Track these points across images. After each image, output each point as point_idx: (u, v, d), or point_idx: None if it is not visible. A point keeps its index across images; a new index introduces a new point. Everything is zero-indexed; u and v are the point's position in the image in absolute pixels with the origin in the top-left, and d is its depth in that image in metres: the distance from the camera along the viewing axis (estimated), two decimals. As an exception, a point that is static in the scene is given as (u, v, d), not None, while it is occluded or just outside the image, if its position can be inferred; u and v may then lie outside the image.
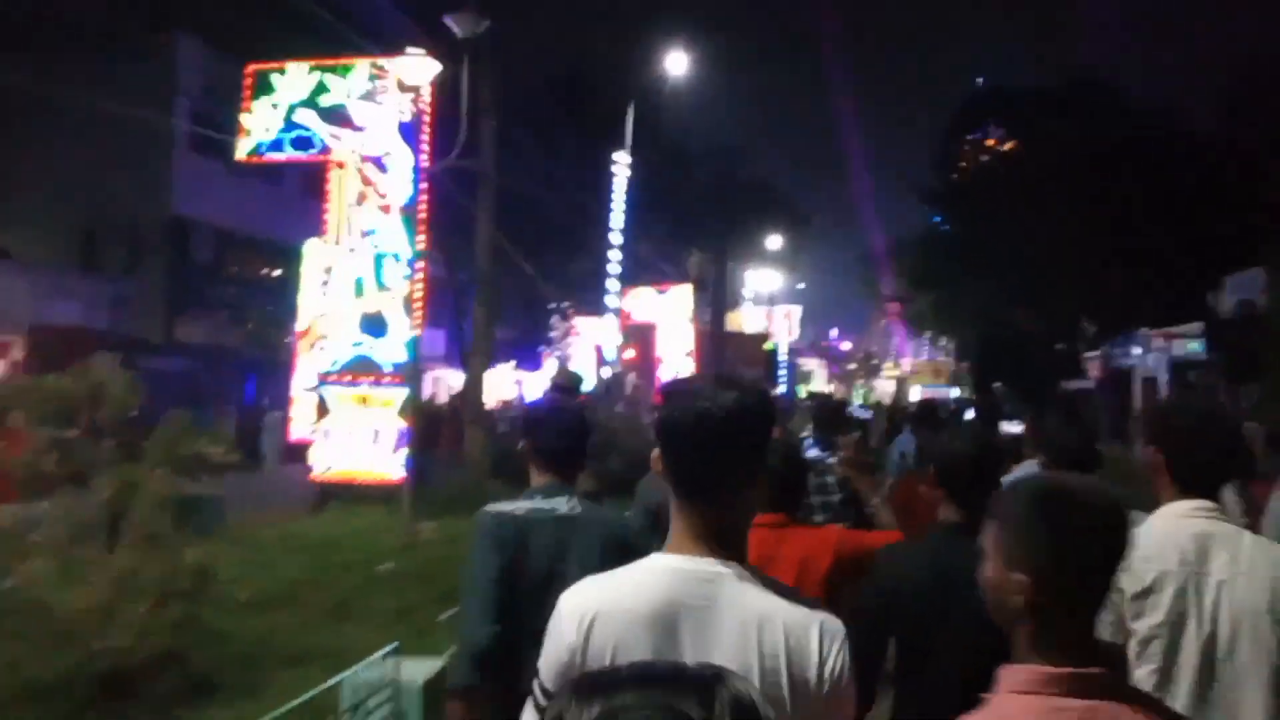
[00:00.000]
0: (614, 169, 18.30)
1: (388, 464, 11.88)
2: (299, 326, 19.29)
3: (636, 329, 33.67)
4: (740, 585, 1.50)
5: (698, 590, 1.49)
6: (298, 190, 28.66)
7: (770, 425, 1.62)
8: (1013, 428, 9.19)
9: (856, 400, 54.33)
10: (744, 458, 1.56)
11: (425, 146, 11.84)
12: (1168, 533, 2.23)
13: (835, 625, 1.52)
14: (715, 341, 29.91)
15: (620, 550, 2.38)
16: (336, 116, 11.99)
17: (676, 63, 18.32)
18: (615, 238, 18.31)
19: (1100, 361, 29.33)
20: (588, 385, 34.75)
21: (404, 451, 11.76)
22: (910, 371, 59.02)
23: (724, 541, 1.53)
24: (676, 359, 30.93)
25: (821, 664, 1.48)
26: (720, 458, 1.54)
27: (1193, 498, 2.28)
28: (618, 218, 18.13)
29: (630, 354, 35.22)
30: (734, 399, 1.54)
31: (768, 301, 47.92)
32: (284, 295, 19.32)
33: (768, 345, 39.45)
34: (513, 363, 40.25)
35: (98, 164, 20.92)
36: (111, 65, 19.37)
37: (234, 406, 20.90)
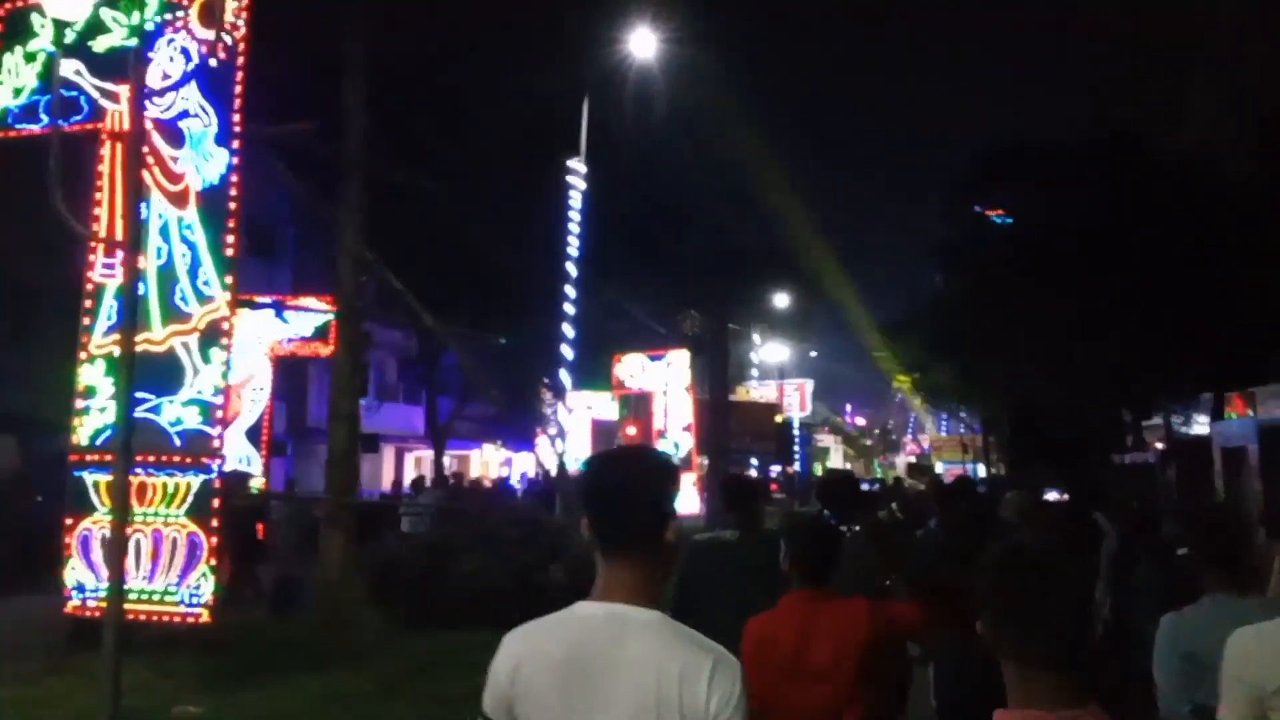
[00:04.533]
0: (569, 179, 13.90)
1: (178, 590, 7.33)
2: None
3: (633, 399, 29.22)
4: (648, 632, 1.62)
5: (609, 635, 1.62)
6: (242, 247, 24.78)
7: (672, 487, 1.78)
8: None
9: (876, 474, 49.40)
10: (651, 516, 1.71)
11: (238, 106, 7.58)
12: None
13: (728, 663, 1.62)
14: (719, 412, 25.29)
15: (763, 564, 3.49)
16: (115, 67, 7.78)
17: (644, 44, 13.93)
18: (571, 268, 13.71)
19: (1163, 430, 24.44)
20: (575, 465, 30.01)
21: (198, 573, 7.22)
22: (931, 447, 53.90)
23: (640, 590, 1.67)
24: (676, 432, 26.46)
25: (709, 699, 1.57)
26: (633, 516, 1.70)
27: None
28: (574, 242, 13.61)
29: (632, 430, 30.71)
30: (638, 466, 1.79)
31: (777, 374, 43.37)
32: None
33: (779, 418, 34.76)
34: (499, 441, 35.66)
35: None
36: None
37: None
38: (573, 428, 30.88)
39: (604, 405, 31.75)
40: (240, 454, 15.79)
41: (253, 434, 15.80)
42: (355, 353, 9.00)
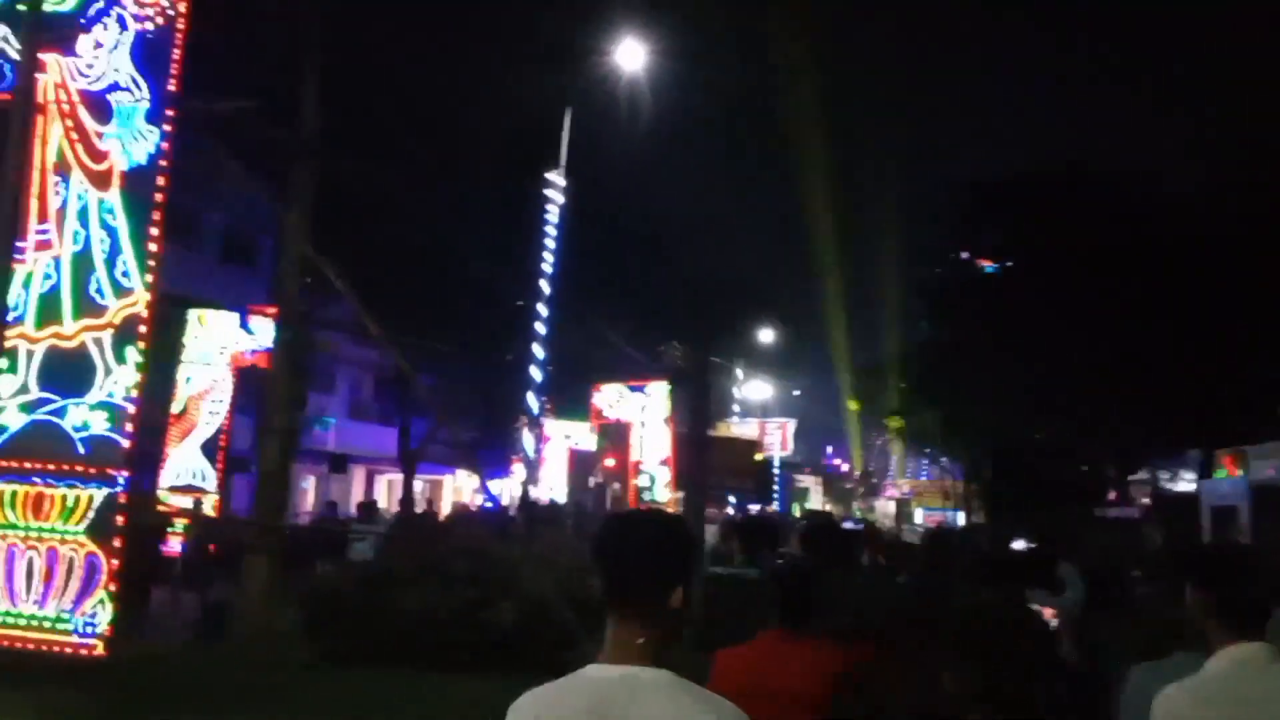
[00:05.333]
0: (546, 192, 13.21)
1: (71, 618, 6.46)
2: (174, 408, 14.83)
3: (612, 430, 28.32)
4: (661, 692, 1.65)
5: (619, 698, 1.65)
6: (217, 254, 24.00)
7: (681, 556, 1.79)
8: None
9: (856, 515, 48.49)
10: (651, 581, 1.72)
11: (174, 81, 6.84)
12: (1233, 677, 2.20)
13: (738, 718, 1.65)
14: (698, 447, 24.39)
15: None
16: (39, 33, 7.03)
17: (632, 56, 13.39)
18: (545, 285, 13.01)
19: (1149, 486, 23.80)
20: (560, 496, 28.89)
21: (94, 599, 6.35)
22: (911, 493, 53.08)
23: (646, 651, 1.69)
24: (653, 464, 25.56)
25: None
26: (632, 578, 1.72)
27: (1243, 639, 2.23)
28: (549, 258, 12.91)
29: (611, 461, 29.73)
30: (655, 532, 1.78)
31: (759, 412, 42.62)
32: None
33: (759, 456, 33.90)
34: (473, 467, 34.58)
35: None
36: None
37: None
38: (550, 456, 29.85)
39: (583, 435, 30.82)
40: (194, 468, 14.90)
41: (209, 448, 14.94)
42: (293, 360, 8.20)
